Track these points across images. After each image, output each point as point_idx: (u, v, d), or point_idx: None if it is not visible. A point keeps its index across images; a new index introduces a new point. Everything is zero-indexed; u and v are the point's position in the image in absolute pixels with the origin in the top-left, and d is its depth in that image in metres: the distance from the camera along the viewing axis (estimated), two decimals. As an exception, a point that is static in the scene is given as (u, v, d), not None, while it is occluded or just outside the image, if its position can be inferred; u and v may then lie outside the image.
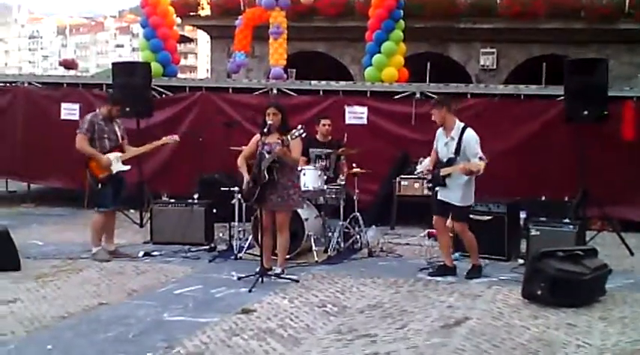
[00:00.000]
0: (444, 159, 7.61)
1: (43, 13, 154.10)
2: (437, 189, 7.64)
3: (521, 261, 8.28)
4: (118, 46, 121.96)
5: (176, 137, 8.86)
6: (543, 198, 10.06)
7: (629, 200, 10.71)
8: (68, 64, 18.84)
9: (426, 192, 10.31)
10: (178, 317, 6.12)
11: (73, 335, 5.58)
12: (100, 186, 8.32)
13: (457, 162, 7.44)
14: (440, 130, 7.78)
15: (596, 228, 9.90)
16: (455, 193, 7.53)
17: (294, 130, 7.28)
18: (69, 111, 12.75)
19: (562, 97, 10.40)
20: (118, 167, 8.35)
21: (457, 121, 7.62)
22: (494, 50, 20.22)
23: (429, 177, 7.84)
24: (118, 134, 8.49)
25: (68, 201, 12.73)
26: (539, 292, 6.53)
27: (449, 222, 7.74)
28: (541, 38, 19.45)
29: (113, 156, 8.33)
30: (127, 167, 8.48)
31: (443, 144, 7.67)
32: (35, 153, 12.83)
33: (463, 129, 7.52)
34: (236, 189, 8.52)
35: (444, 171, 7.53)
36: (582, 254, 6.80)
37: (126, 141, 8.61)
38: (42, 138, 12.78)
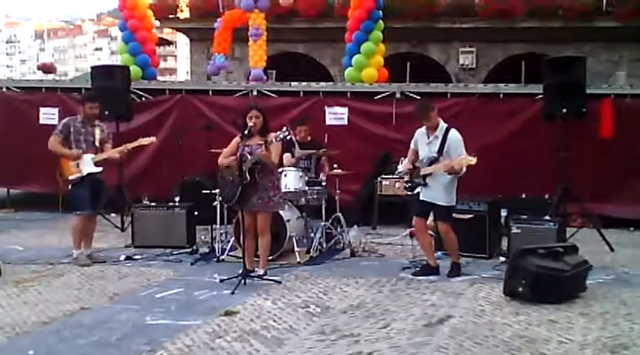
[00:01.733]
0: (425, 159, 7.62)
1: (21, 17, 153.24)
2: (419, 189, 7.64)
3: (502, 259, 8.33)
4: (96, 49, 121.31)
5: (153, 138, 8.66)
6: (524, 195, 10.12)
7: (609, 196, 10.83)
8: (47, 68, 18.74)
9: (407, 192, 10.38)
10: (161, 320, 6.09)
11: (54, 340, 5.54)
12: (70, 187, 8.25)
13: (439, 161, 7.47)
14: (421, 130, 7.79)
15: (576, 224, 9.97)
16: (439, 193, 7.55)
17: (279, 132, 7.28)
18: (48, 115, 12.69)
19: (541, 95, 10.47)
20: (89, 169, 8.23)
21: (441, 121, 7.65)
22: (473, 49, 20.34)
23: (407, 177, 7.83)
24: (96, 137, 8.38)
25: (48, 206, 12.60)
26: (520, 289, 6.56)
27: (429, 221, 7.77)
28: (520, 37, 19.58)
29: (85, 157, 8.23)
30: (99, 169, 8.33)
31: (425, 144, 7.68)
32: (14, 158, 12.76)
33: (447, 130, 7.55)
34: (217, 191, 8.50)
35: (425, 170, 7.54)
36: (563, 250, 6.85)
37: (109, 145, 8.48)
38: (21, 143, 12.68)
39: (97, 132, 8.41)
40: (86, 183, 8.26)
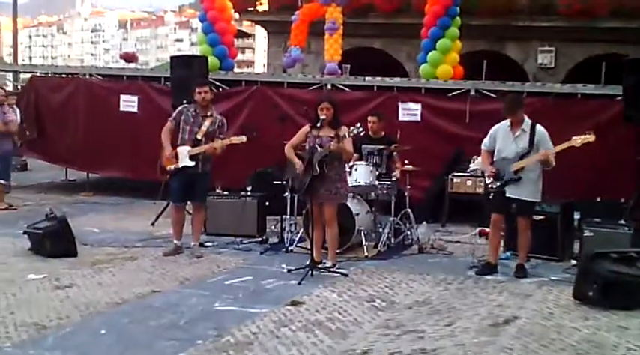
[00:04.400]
0: (513, 154, 7.49)
1: (106, 7, 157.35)
2: (506, 187, 7.53)
3: (573, 262, 8.17)
4: (177, 40, 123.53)
5: (244, 137, 8.35)
6: (599, 199, 9.90)
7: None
8: (128, 58, 19.21)
9: (478, 189, 10.29)
10: (228, 306, 6.23)
11: (126, 320, 5.73)
12: (168, 177, 8.35)
13: (531, 155, 7.41)
14: (501, 127, 7.70)
15: (652, 230, 9.70)
16: (527, 188, 7.47)
17: (352, 127, 7.34)
18: (128, 103, 13.03)
19: (620, 97, 10.22)
20: (184, 161, 8.15)
21: (525, 116, 7.60)
22: (552, 49, 19.89)
23: (494, 175, 7.60)
24: (202, 129, 8.17)
25: (125, 191, 13.02)
26: (590, 293, 6.44)
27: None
28: (601, 37, 19.06)
29: (182, 149, 8.17)
30: (192, 163, 8.14)
31: (510, 140, 7.56)
32: (94, 144, 13.15)
33: (534, 124, 7.50)
34: (288, 182, 8.59)
35: (517, 165, 7.43)
36: (636, 256, 6.68)
37: (216, 140, 8.21)
38: (101, 129, 13.09)
39: (207, 123, 8.21)
40: (180, 176, 8.24)
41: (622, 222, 8.32)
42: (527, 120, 7.56)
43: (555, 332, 5.67)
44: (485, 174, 7.85)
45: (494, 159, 7.72)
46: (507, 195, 7.53)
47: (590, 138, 7.19)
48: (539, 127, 7.51)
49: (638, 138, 9.61)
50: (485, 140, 7.88)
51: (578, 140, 7.25)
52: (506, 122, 7.67)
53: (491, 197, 7.74)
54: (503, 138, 7.66)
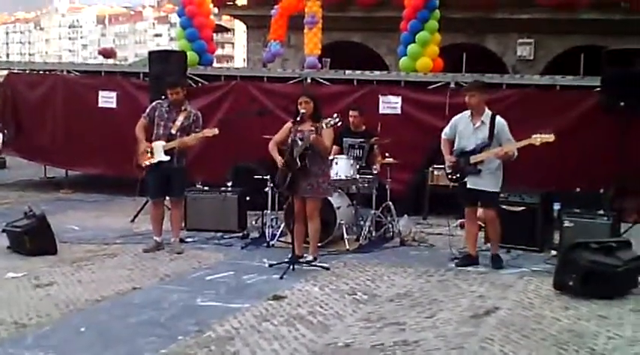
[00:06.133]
0: (472, 146, 7.54)
1: (83, 3, 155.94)
2: (466, 178, 7.58)
3: (553, 253, 8.21)
4: (156, 35, 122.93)
5: (216, 130, 8.29)
6: (578, 189, 9.96)
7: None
8: (107, 53, 19.05)
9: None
10: (210, 302, 6.20)
11: (106, 318, 5.69)
12: (145, 173, 8.28)
13: (491, 147, 7.43)
14: (462, 117, 7.74)
15: (631, 220, 9.77)
16: (487, 180, 7.50)
17: (329, 118, 7.32)
18: (106, 99, 12.93)
19: (599, 88, 10.27)
20: (159, 156, 8.09)
21: (486, 107, 7.62)
22: (531, 41, 19.98)
23: (453, 167, 7.66)
24: (177, 124, 8.12)
25: (105, 188, 12.94)
26: (570, 283, 6.48)
27: (480, 212, 7.72)
28: (580, 29, 19.16)
29: (157, 144, 8.11)
30: (167, 158, 8.09)
31: (470, 131, 7.61)
32: (73, 141, 13.05)
33: (493, 116, 7.52)
34: (269, 177, 8.57)
35: (477, 158, 7.47)
36: (616, 246, 6.72)
37: (191, 134, 8.16)
38: (80, 126, 12.99)
39: (180, 118, 8.16)
40: (156, 171, 8.17)
41: (601, 212, 8.38)
42: (488, 112, 7.57)
43: (536, 323, 5.70)
44: (446, 164, 7.86)
45: (455, 148, 7.75)
46: (468, 185, 7.59)
47: (550, 138, 7.19)
48: (499, 119, 7.52)
49: (616, 129, 9.65)
50: (446, 129, 7.92)
51: (538, 139, 7.23)
52: (467, 113, 7.70)
53: (457, 189, 7.79)
54: (463, 129, 7.69)
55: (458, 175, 7.65)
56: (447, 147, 7.86)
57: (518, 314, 5.93)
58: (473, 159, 7.49)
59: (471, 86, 7.87)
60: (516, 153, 7.33)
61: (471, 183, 7.56)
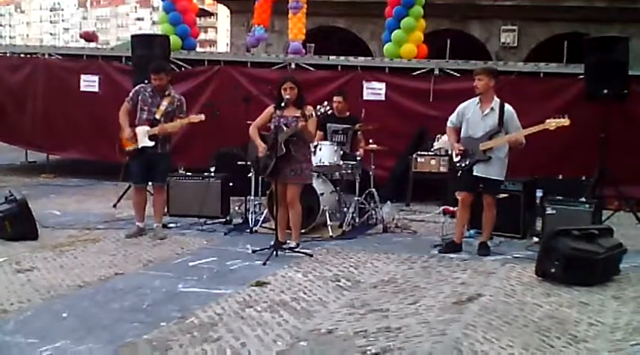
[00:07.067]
0: (481, 133, 7.51)
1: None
2: (474, 165, 7.55)
3: (536, 239, 8.26)
4: (138, 19, 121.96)
5: (202, 116, 8.24)
6: (560, 176, 10.01)
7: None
8: (89, 37, 18.85)
9: (442, 168, 10.35)
10: (193, 288, 6.17)
11: (88, 303, 5.65)
12: (128, 158, 8.22)
13: (500, 134, 7.44)
14: (470, 103, 7.69)
15: (612, 207, 9.85)
16: (495, 167, 7.50)
17: (319, 107, 7.30)
18: (88, 83, 12.85)
19: (582, 76, 10.30)
20: (143, 142, 8.03)
21: (494, 95, 7.60)
22: (515, 28, 20.02)
23: (462, 153, 7.60)
24: (161, 109, 8.04)
25: (86, 172, 12.87)
26: (552, 270, 6.52)
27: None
28: (563, 16, 19.22)
29: (141, 129, 8.03)
30: (151, 143, 8.03)
31: (479, 117, 7.56)
32: (54, 125, 12.97)
33: (502, 103, 7.51)
34: (252, 163, 8.53)
35: (486, 145, 7.44)
36: (597, 233, 6.76)
37: (175, 120, 8.12)
38: (61, 110, 12.90)
39: (165, 103, 8.08)
40: (140, 156, 8.11)
41: (583, 199, 8.43)
42: (497, 99, 7.55)
43: (518, 309, 5.72)
44: (453, 152, 7.80)
45: (462, 136, 7.72)
46: (475, 173, 7.55)
47: (566, 122, 7.24)
48: (507, 106, 7.52)
49: (599, 116, 9.69)
50: (452, 117, 7.84)
51: (552, 123, 7.27)
52: (476, 99, 7.65)
53: (459, 175, 7.76)
54: (471, 116, 7.64)
55: (467, 162, 7.60)
56: (453, 136, 7.80)
57: (501, 301, 5.95)
58: (482, 145, 7.47)
59: (480, 69, 7.77)
60: (524, 141, 7.35)
61: (479, 171, 7.53)
